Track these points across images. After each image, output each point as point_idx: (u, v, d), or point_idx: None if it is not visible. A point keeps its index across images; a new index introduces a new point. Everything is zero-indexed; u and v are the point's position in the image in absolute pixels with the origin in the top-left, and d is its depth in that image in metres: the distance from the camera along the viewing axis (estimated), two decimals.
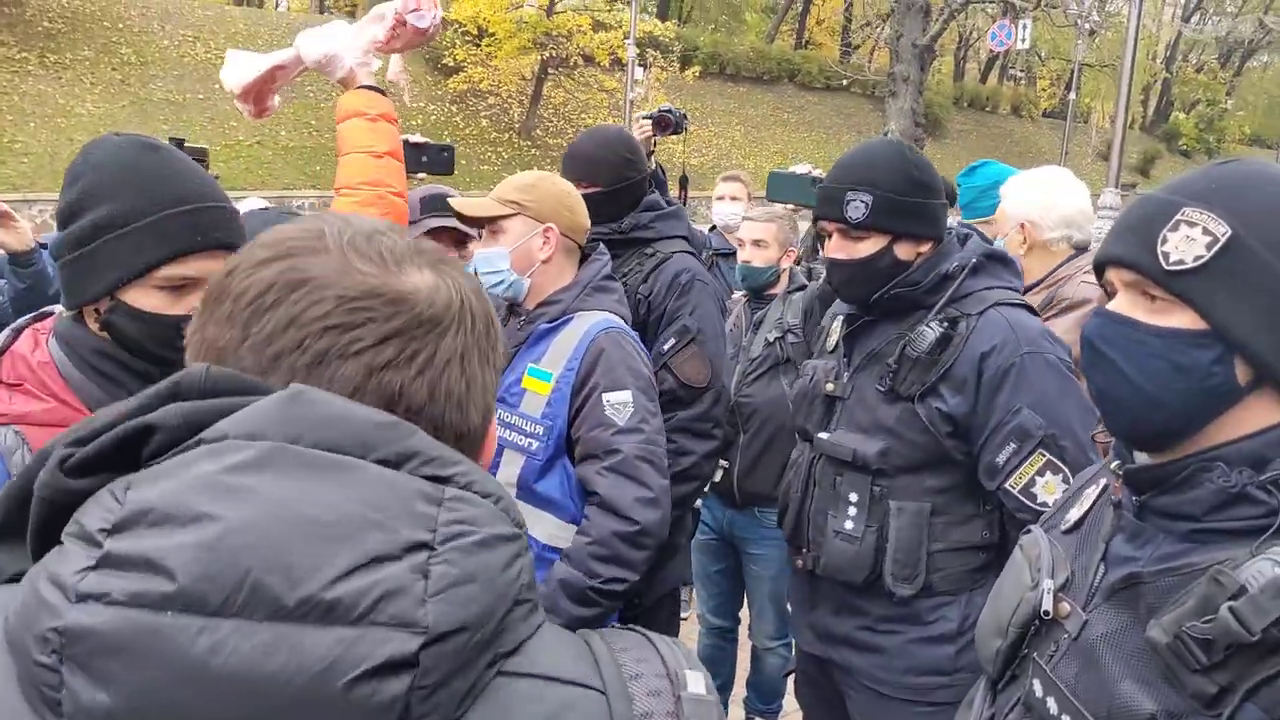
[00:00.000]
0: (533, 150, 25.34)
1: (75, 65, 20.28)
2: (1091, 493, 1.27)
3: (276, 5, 38.96)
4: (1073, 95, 31.14)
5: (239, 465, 0.58)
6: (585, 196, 2.72)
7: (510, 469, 2.16)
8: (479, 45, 24.21)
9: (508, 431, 2.16)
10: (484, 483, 0.65)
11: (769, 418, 3.24)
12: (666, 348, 2.68)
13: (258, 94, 2.02)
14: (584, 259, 2.37)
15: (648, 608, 2.65)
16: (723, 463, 3.22)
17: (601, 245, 2.42)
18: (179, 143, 2.95)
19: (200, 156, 2.93)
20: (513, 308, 2.31)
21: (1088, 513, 1.26)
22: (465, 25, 23.96)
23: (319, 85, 23.15)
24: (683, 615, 4.62)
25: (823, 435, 2.16)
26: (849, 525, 2.08)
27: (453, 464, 0.64)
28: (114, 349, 1.37)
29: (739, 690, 3.67)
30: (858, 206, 2.01)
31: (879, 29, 25.73)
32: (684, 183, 4.28)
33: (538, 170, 2.37)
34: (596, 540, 2.07)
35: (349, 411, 0.62)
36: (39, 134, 18.42)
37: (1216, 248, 1.03)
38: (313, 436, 0.60)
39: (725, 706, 3.62)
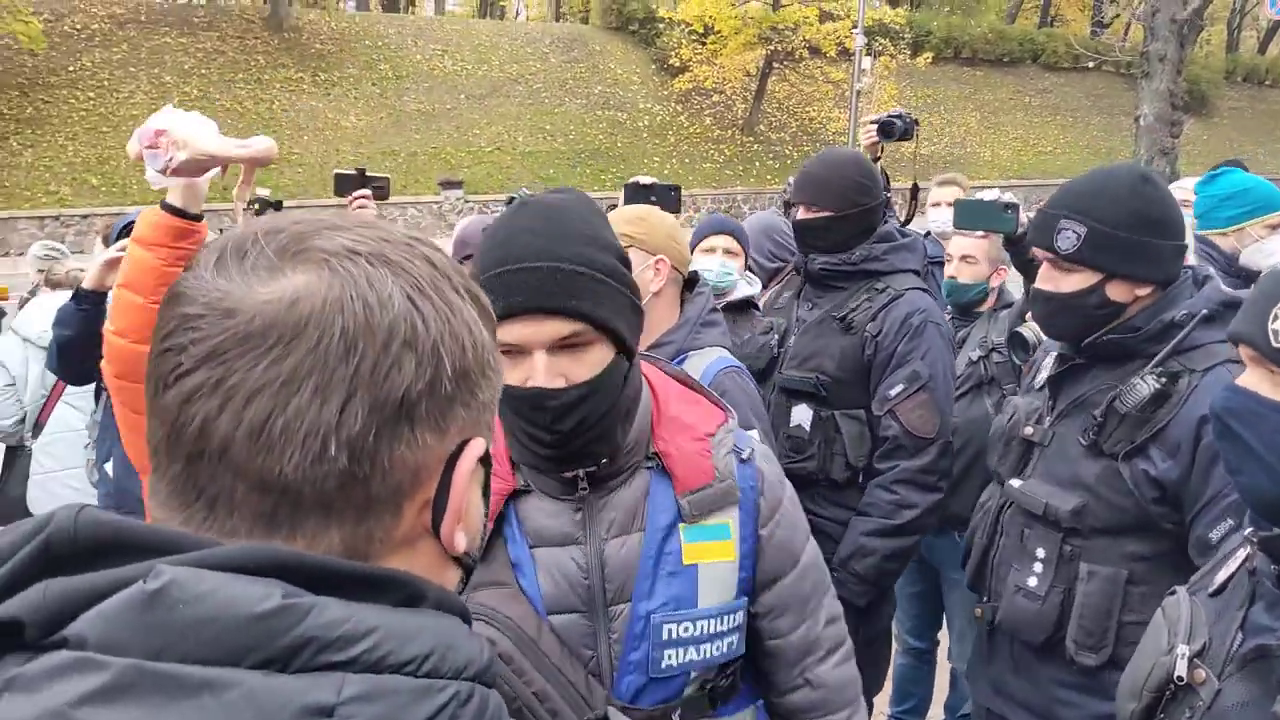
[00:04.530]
0: (755, 146, 25.36)
1: (342, 82, 22.42)
2: (1241, 554, 1.23)
3: (517, 15, 41.17)
4: None
5: (90, 695, 0.49)
6: (811, 221, 2.64)
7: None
8: (704, 43, 24.50)
9: None
10: (404, 645, 0.54)
11: (971, 438, 3.15)
12: (893, 393, 2.52)
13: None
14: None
15: (862, 645, 2.67)
16: None
17: (703, 280, 2.33)
18: (361, 171, 3.20)
19: (381, 184, 3.14)
20: None
21: (1233, 575, 1.22)
22: (691, 24, 24.32)
23: (552, 92, 24.30)
24: None
25: (1015, 482, 2.04)
26: (1033, 582, 1.95)
27: (359, 638, 0.53)
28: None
29: (935, 712, 3.60)
30: (1068, 237, 1.87)
31: (1134, 2, 23.71)
32: (914, 192, 4.04)
33: (643, 205, 2.33)
34: None
35: (219, 606, 0.51)
36: (311, 146, 20.54)
37: None
38: (177, 650, 0.50)
39: None
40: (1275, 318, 1.11)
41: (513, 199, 3.69)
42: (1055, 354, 2.09)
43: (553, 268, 1.23)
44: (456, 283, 0.64)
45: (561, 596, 1.35)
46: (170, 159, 1.57)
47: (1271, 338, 1.11)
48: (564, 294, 1.23)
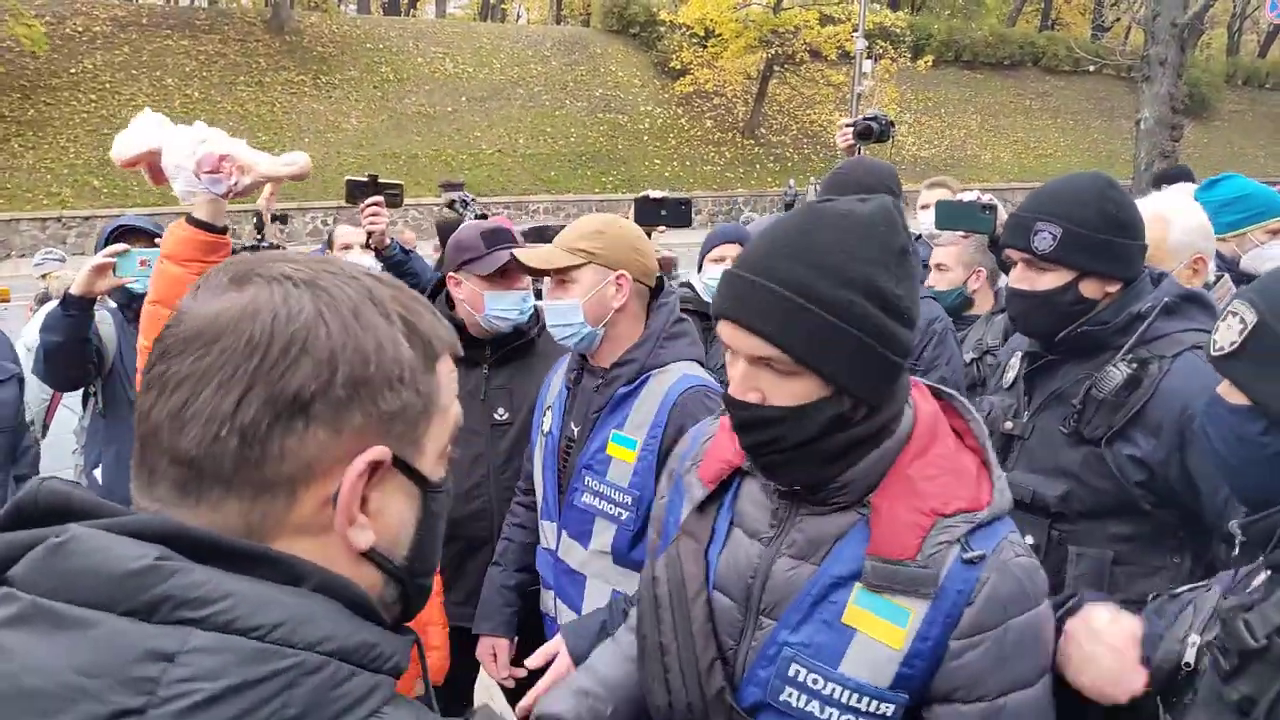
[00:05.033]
0: (756, 149, 25.40)
1: (343, 85, 22.45)
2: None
3: (518, 18, 41.22)
4: None
5: (7, 620, 0.62)
6: None
7: (603, 537, 2.10)
8: (705, 47, 24.55)
9: (597, 500, 2.11)
10: (254, 612, 0.63)
11: None
12: None
13: (150, 167, 1.75)
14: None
15: None
16: None
17: (669, 285, 2.26)
18: (374, 179, 3.10)
19: (394, 191, 3.08)
20: (586, 366, 2.22)
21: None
22: (692, 28, 24.37)
23: (553, 95, 24.33)
24: None
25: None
26: None
27: (213, 600, 0.62)
28: None
29: None
30: (1045, 238, 1.97)
31: (1135, 5, 23.66)
32: None
33: (604, 215, 2.28)
34: None
35: (101, 561, 0.62)
36: (312, 148, 20.52)
37: (1245, 333, 1.18)
38: (66, 592, 0.62)
39: None
40: (1216, 329, 1.24)
41: (453, 202, 3.59)
42: (1021, 353, 2.20)
43: (762, 285, 1.20)
44: (389, 310, 0.73)
45: (730, 581, 1.37)
46: (235, 183, 1.67)
47: (1210, 346, 1.25)
48: (763, 315, 1.19)
